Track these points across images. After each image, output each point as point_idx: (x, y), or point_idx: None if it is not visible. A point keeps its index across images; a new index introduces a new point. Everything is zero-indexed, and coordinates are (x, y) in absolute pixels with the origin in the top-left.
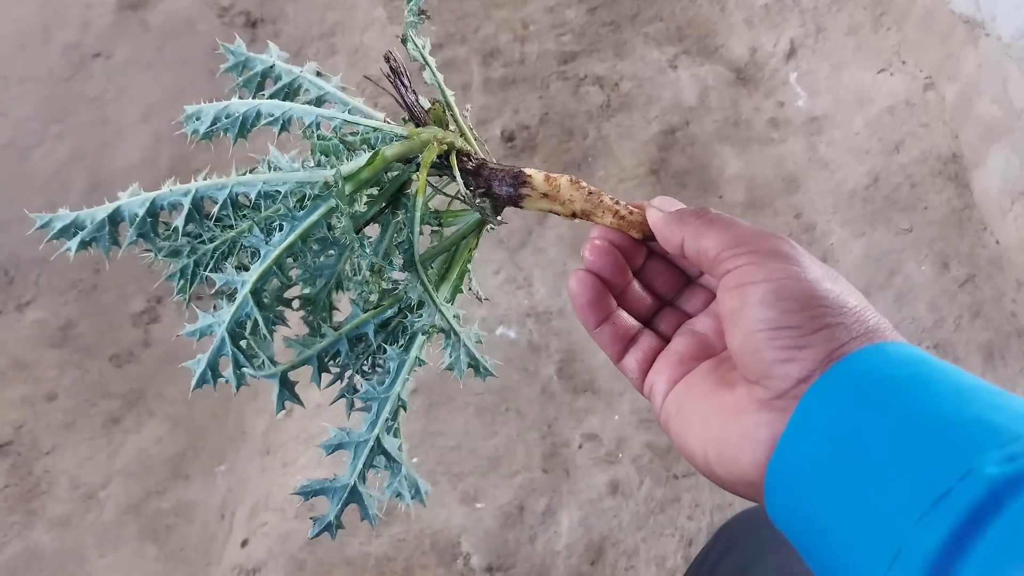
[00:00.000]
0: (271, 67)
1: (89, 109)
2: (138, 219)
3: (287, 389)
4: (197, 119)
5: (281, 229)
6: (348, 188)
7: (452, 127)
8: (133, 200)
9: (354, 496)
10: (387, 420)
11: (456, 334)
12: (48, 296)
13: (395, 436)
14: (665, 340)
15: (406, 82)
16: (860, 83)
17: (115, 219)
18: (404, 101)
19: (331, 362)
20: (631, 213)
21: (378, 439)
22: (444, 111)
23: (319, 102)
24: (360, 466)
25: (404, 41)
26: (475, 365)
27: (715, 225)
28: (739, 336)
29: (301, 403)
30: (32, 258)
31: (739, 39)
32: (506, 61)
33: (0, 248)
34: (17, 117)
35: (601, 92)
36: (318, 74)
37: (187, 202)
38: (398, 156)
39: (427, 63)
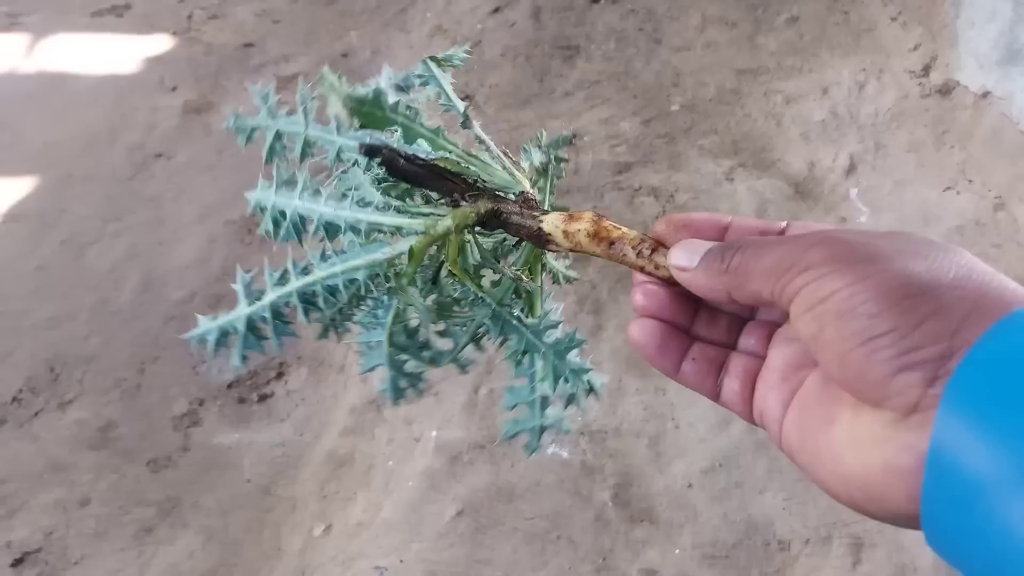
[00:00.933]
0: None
1: (147, 208)
2: (269, 319)
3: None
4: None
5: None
6: (405, 280)
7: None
8: (258, 307)
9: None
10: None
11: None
12: (91, 395)
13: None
14: (759, 358)
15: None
16: (925, 200)
17: (251, 323)
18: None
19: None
20: (656, 268)
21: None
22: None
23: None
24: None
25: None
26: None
27: (750, 260)
28: (834, 363)
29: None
30: (79, 355)
31: (796, 154)
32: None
33: (48, 345)
34: (78, 214)
35: (656, 203)
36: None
37: (295, 300)
38: (429, 245)
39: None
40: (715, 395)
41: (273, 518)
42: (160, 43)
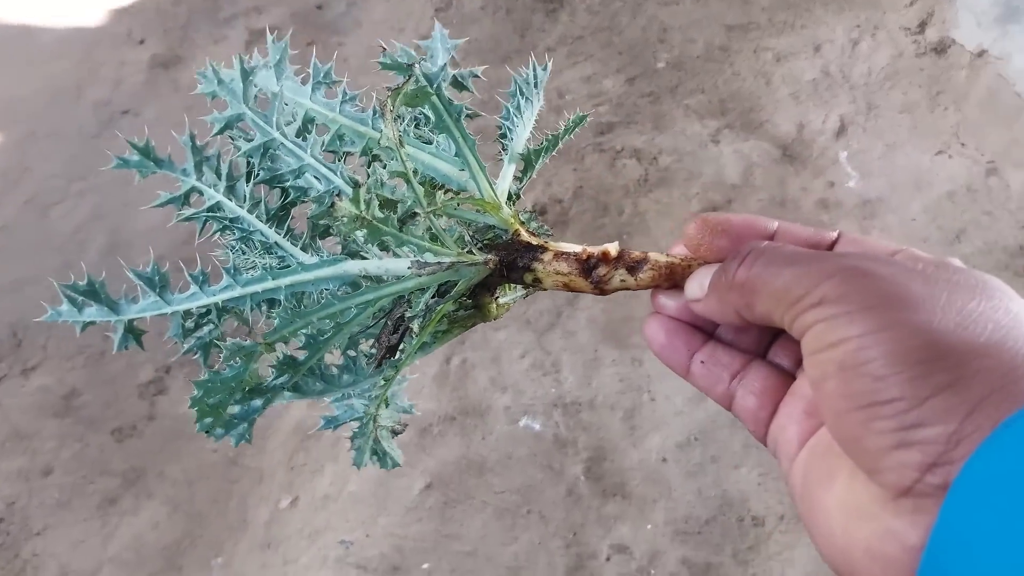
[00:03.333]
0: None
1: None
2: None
3: None
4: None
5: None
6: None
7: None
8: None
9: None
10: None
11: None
12: (55, 361)
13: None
14: (784, 374)
15: None
16: (916, 165)
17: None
18: None
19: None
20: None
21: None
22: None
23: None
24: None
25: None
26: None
27: (760, 276)
28: (830, 418)
29: None
30: (43, 321)
31: (785, 115)
32: (540, 127)
33: (11, 309)
34: (42, 173)
35: (639, 166)
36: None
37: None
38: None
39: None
40: (727, 403)
41: (239, 489)
42: None
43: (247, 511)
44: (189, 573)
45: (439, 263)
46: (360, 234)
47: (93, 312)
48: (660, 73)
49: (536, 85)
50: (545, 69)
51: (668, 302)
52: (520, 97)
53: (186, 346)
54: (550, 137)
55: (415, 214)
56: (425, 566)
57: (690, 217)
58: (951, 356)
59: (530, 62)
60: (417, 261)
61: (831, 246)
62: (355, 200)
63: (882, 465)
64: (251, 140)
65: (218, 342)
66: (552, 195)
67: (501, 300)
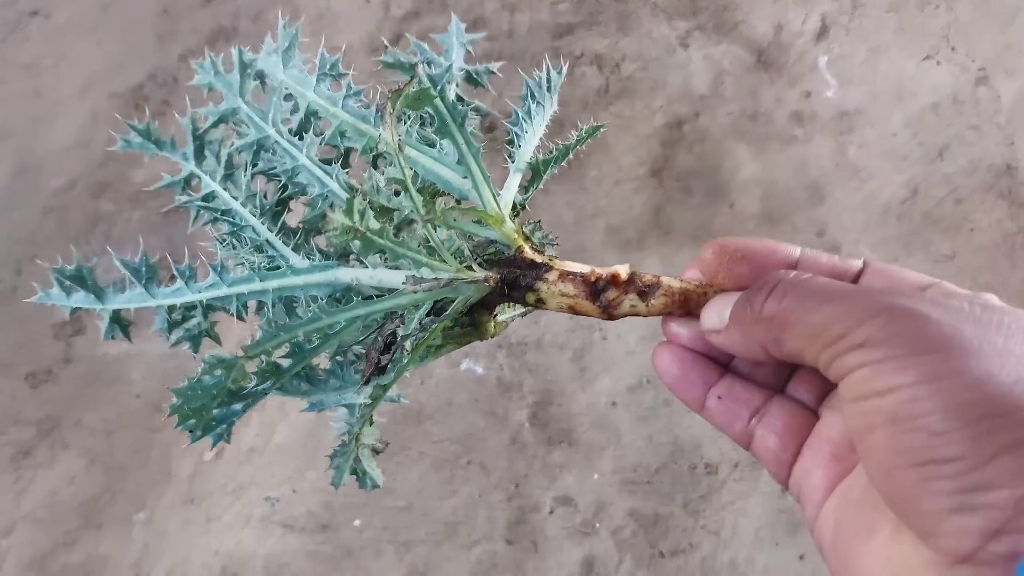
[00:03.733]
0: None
1: (22, 77)
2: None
3: None
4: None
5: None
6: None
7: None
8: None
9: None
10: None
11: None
12: None
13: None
14: (807, 411)
15: None
16: (900, 72)
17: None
18: None
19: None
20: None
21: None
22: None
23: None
24: None
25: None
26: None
27: (792, 312)
28: (878, 473)
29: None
30: None
31: (762, 14)
32: (492, 33)
33: None
34: None
35: (599, 74)
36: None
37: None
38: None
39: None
40: (745, 442)
41: (162, 438)
42: None
43: (170, 463)
44: (109, 530)
45: (436, 279)
46: (355, 246)
47: (80, 298)
48: None
49: (550, 89)
50: (560, 73)
51: (681, 331)
52: (531, 101)
53: (173, 338)
54: (560, 147)
55: (412, 221)
56: (356, 523)
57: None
58: (1016, 412)
59: (544, 64)
60: (413, 276)
61: (857, 276)
62: (348, 211)
63: (940, 529)
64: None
65: (208, 334)
66: (502, 109)
67: (500, 318)
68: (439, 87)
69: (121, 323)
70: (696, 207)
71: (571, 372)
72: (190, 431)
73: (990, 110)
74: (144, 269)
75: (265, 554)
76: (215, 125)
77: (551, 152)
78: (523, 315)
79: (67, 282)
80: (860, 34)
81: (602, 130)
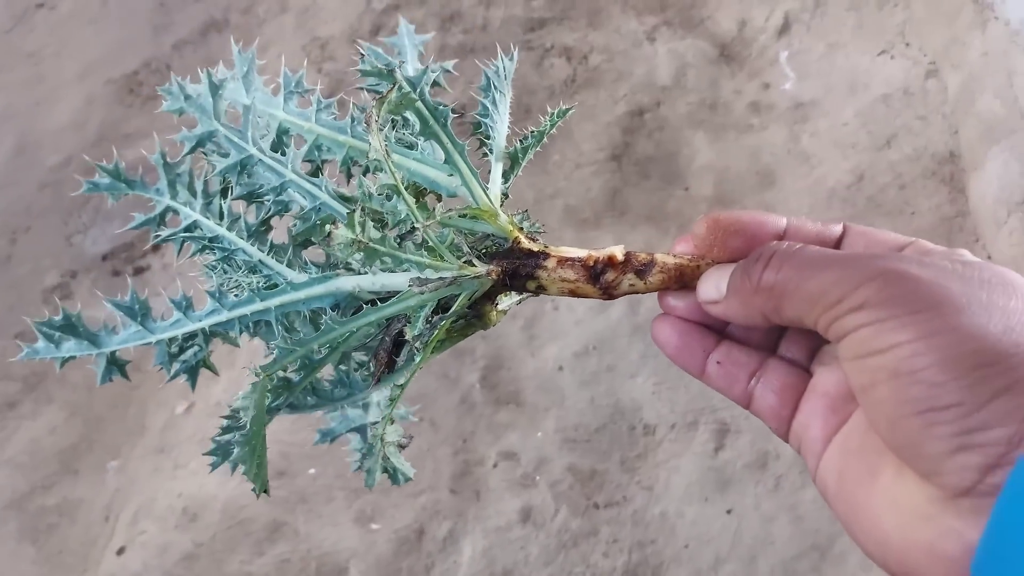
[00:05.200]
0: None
1: (26, 65)
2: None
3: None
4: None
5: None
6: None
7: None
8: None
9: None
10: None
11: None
12: None
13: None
14: (801, 370)
15: None
16: (855, 66)
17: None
18: None
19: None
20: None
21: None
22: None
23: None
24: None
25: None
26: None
27: (790, 280)
28: (883, 425)
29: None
30: None
31: (728, 11)
32: (467, 27)
33: None
34: None
35: (567, 65)
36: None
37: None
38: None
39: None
40: (745, 402)
41: (139, 395)
42: None
43: (145, 416)
44: (84, 476)
45: (441, 278)
46: (357, 257)
47: (72, 347)
48: None
49: (506, 76)
50: (512, 59)
51: (677, 303)
52: (494, 91)
53: (172, 372)
54: (535, 132)
55: (414, 229)
56: (311, 471)
57: (696, 218)
58: (1005, 359)
59: (498, 53)
60: (418, 278)
61: (839, 240)
62: (350, 224)
63: (942, 468)
64: (226, 155)
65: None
66: (473, 96)
67: (500, 306)
68: (419, 89)
69: (118, 363)
70: (652, 190)
71: (521, 339)
72: (215, 457)
73: (937, 101)
74: (137, 307)
75: (225, 497)
76: (193, 150)
77: (525, 139)
78: (520, 302)
79: (56, 333)
80: (820, 31)
81: (570, 112)
